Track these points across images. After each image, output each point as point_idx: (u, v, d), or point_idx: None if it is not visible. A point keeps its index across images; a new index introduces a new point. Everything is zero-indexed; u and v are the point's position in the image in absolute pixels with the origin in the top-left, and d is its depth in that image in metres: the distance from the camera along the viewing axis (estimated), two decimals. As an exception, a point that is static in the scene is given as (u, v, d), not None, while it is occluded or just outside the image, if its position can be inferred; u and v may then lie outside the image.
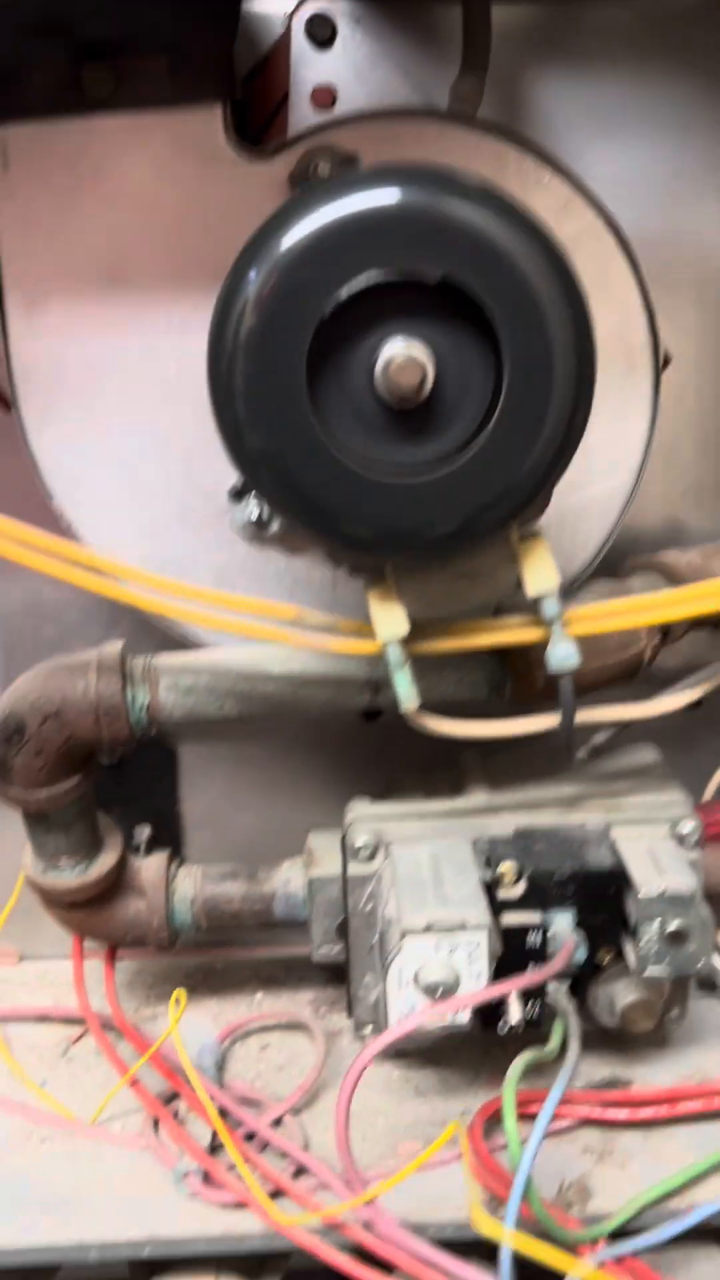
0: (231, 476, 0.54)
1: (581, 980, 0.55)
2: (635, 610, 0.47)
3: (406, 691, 0.46)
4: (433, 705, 0.51)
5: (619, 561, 0.61)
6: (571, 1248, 0.48)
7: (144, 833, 0.63)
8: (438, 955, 0.48)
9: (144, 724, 0.52)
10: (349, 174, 0.42)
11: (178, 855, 0.64)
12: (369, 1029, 0.58)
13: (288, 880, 0.60)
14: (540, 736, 0.52)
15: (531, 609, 0.46)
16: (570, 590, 0.57)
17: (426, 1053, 0.62)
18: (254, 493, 0.54)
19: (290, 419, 0.40)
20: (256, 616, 0.45)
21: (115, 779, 0.69)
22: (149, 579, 0.44)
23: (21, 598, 0.66)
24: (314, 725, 0.70)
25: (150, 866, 0.60)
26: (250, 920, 0.60)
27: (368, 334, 0.41)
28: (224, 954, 0.72)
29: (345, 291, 0.39)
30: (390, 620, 0.45)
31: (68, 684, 0.51)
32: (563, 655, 0.46)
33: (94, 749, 0.53)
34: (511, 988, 0.48)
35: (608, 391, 0.54)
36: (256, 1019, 0.66)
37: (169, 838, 0.71)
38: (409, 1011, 0.49)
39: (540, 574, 0.45)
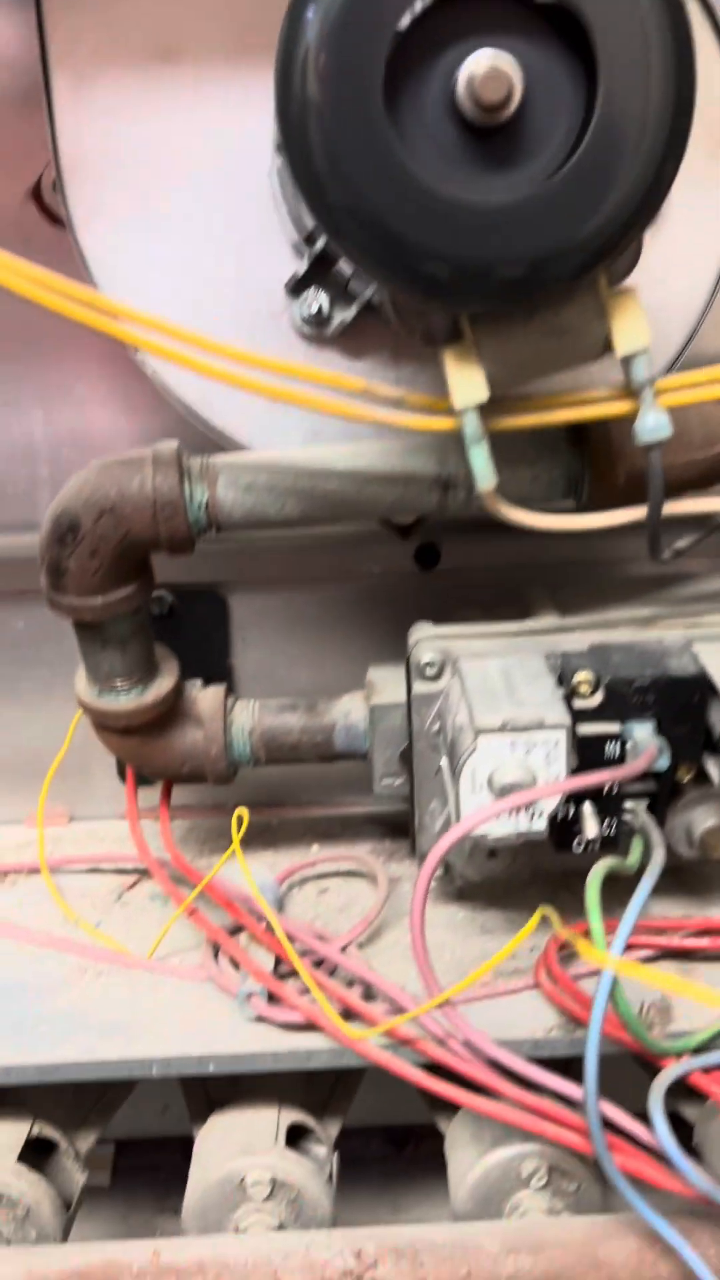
0: (289, 271, 0.52)
1: (658, 807, 0.52)
2: (729, 382, 0.44)
3: (484, 468, 0.43)
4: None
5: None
6: (658, 1057, 0.45)
7: (196, 686, 0.61)
8: (514, 755, 0.46)
9: (203, 522, 0.50)
10: None
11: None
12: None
13: (348, 711, 0.58)
14: (613, 569, 0.49)
15: (620, 388, 0.43)
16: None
17: (491, 893, 0.60)
18: (314, 285, 0.51)
19: (365, 124, 0.37)
20: (321, 386, 0.42)
21: (167, 630, 0.67)
22: (184, 334, 0.41)
23: (70, 428, 0.63)
24: (367, 579, 0.68)
25: (208, 696, 0.58)
26: (310, 753, 0.58)
27: (451, 48, 0.38)
28: (278, 812, 0.70)
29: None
30: (469, 384, 0.42)
31: (124, 478, 0.49)
32: (654, 425, 0.43)
33: (151, 549, 0.50)
34: (592, 781, 0.45)
35: (688, 175, 0.51)
36: (315, 863, 0.64)
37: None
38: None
39: (631, 331, 0.42)
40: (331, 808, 0.71)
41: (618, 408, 0.44)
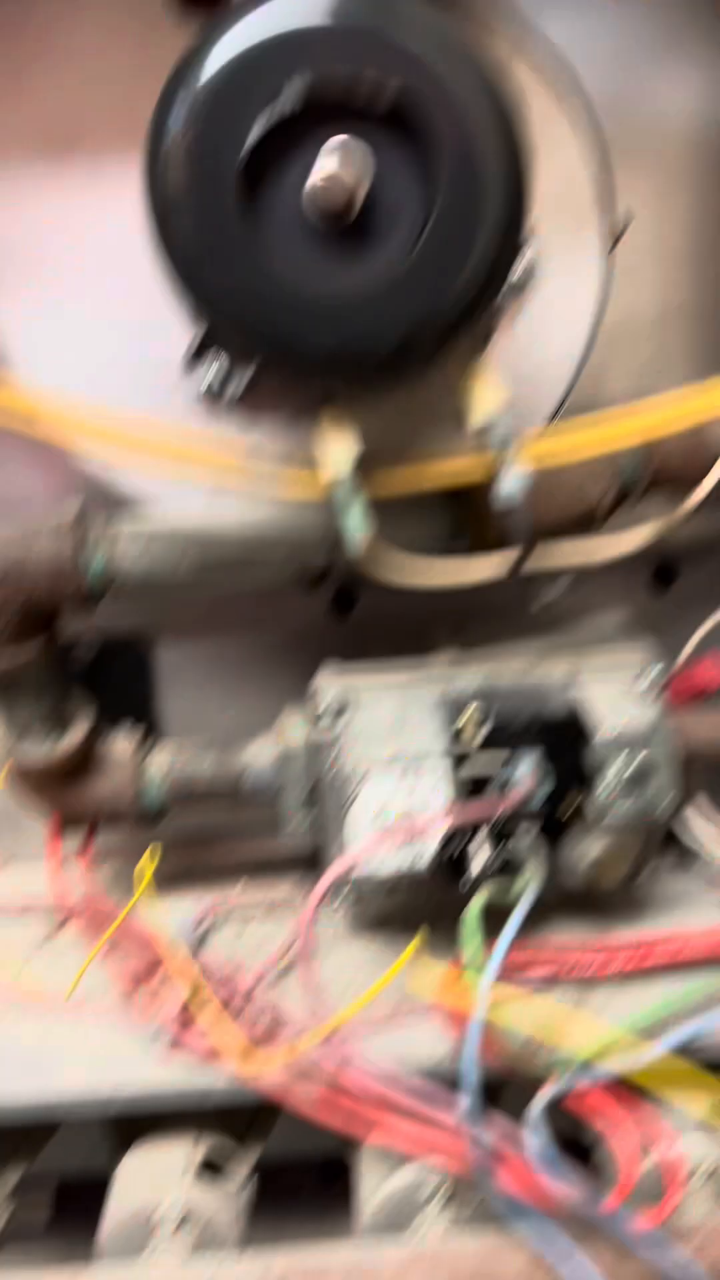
0: (185, 347, 0.55)
1: (544, 841, 0.55)
2: (593, 443, 0.47)
3: (356, 530, 0.46)
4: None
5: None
6: (540, 1076, 0.48)
7: (113, 734, 0.63)
8: (399, 791, 0.49)
9: (103, 583, 0.53)
10: None
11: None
12: (343, 892, 0.58)
13: (257, 755, 0.60)
14: (513, 608, 0.51)
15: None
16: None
17: (405, 925, 0.62)
18: (209, 358, 0.55)
19: (223, 225, 0.40)
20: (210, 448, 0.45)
21: (92, 683, 0.69)
22: (86, 425, 0.44)
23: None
24: (288, 624, 0.71)
25: (122, 744, 0.60)
26: (222, 798, 0.60)
27: (298, 157, 0.41)
28: (208, 851, 0.73)
29: (275, 112, 0.40)
30: (340, 450, 0.45)
31: (26, 544, 0.52)
32: (512, 484, 0.46)
33: (55, 610, 0.53)
34: (473, 814, 0.48)
35: (556, 250, 0.55)
36: (232, 902, 0.66)
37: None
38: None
39: (485, 399, 0.45)
40: (261, 844, 0.73)
41: (481, 467, 0.47)
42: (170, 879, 0.70)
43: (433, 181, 0.41)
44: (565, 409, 0.59)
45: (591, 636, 0.60)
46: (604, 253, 0.56)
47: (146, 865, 0.53)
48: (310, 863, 0.71)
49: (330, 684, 0.56)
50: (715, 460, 0.60)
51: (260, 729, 0.64)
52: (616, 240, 0.60)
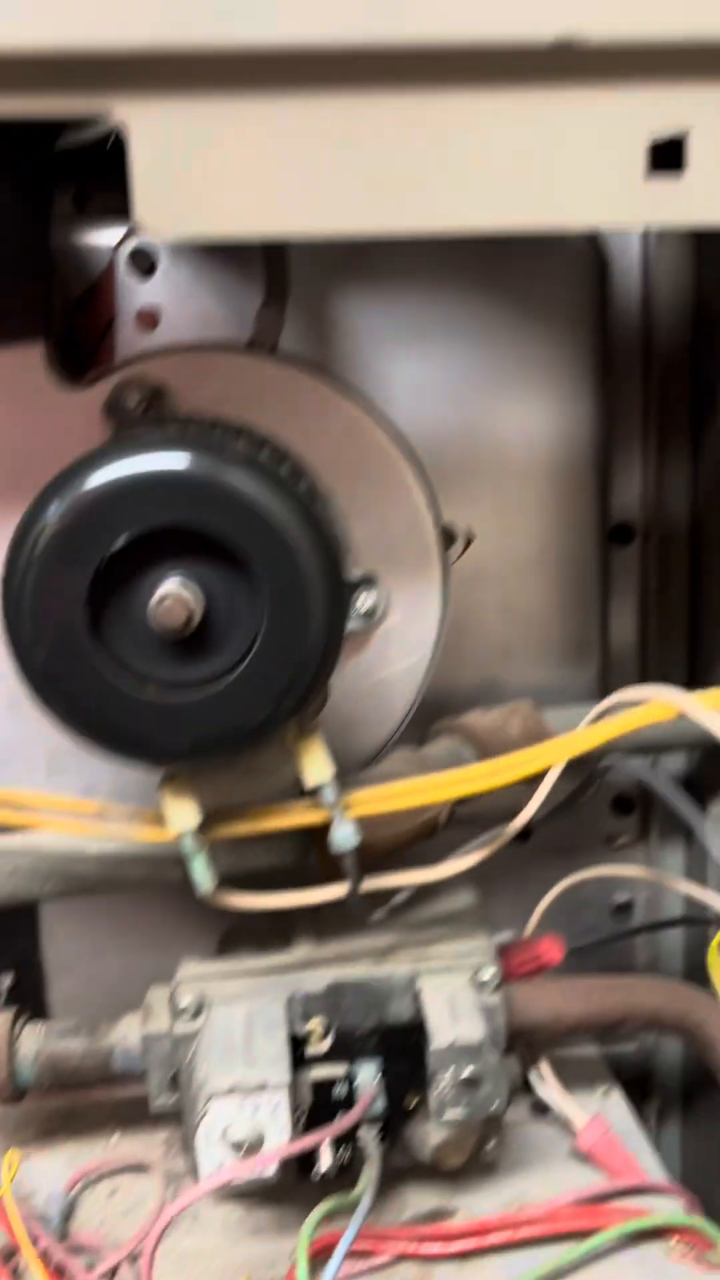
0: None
1: (396, 1121, 0.59)
2: (414, 792, 0.53)
3: (202, 877, 0.51)
4: (248, 872, 0.56)
5: (440, 711, 0.67)
6: None
7: (5, 982, 0.67)
8: (242, 1114, 0.53)
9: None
10: (139, 435, 0.48)
11: (37, 1003, 0.67)
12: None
13: (125, 1035, 0.64)
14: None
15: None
16: (376, 758, 0.63)
17: (266, 1191, 0.65)
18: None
19: (71, 644, 0.45)
20: (62, 813, 0.50)
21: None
22: None
23: None
24: (174, 886, 0.74)
25: (-5, 1024, 0.63)
26: (92, 1075, 0.64)
27: (148, 573, 0.46)
28: (84, 1096, 0.75)
29: (123, 538, 0.45)
30: (182, 813, 0.50)
31: None
32: (342, 838, 0.51)
33: None
34: (306, 1143, 0.52)
35: (405, 582, 0.61)
36: (104, 1165, 0.69)
37: (31, 986, 0.75)
38: (217, 1167, 0.53)
39: (316, 767, 0.50)
40: (134, 1086, 0.76)
41: (317, 816, 0.52)
42: (44, 1132, 0.72)
43: (262, 596, 0.46)
44: (418, 709, 0.64)
45: (442, 913, 0.65)
46: (445, 581, 0.62)
47: (5, 1175, 0.56)
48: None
49: (189, 982, 0.60)
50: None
51: (149, 973, 0.68)
52: (462, 553, 0.66)
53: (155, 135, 0.41)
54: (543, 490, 0.73)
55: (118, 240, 0.64)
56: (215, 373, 0.58)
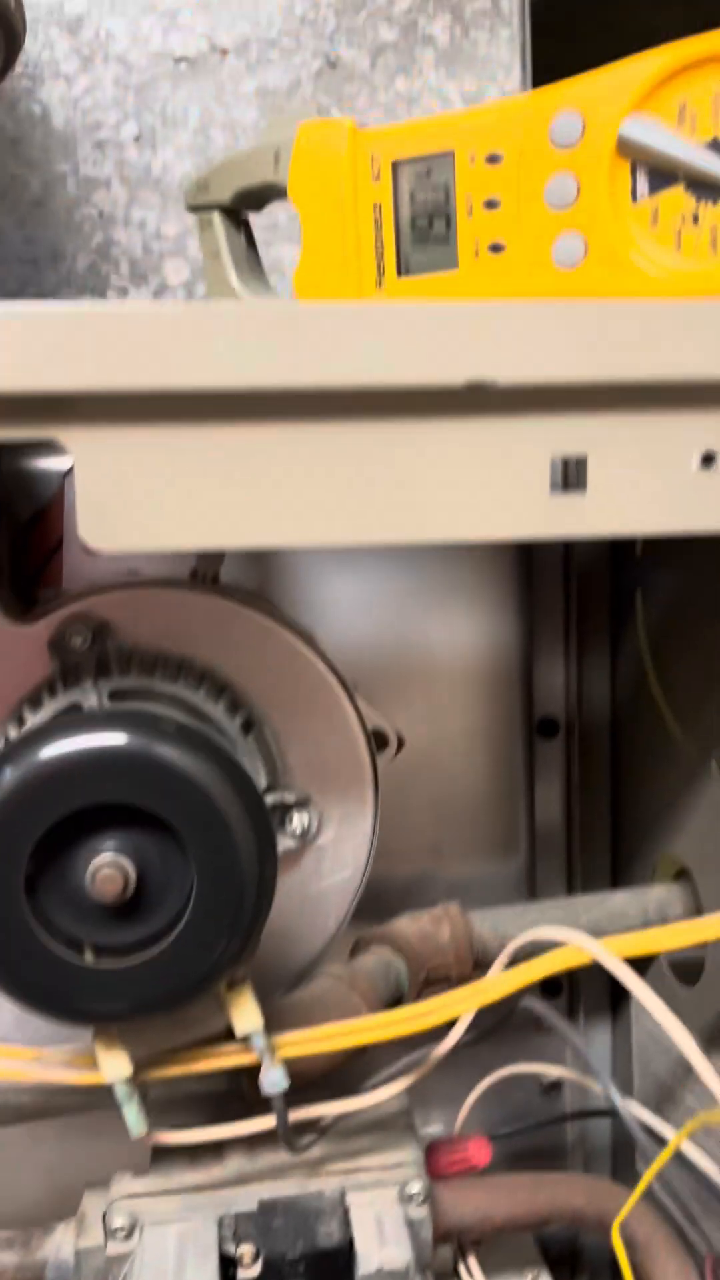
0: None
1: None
2: (340, 1035, 0.55)
3: (134, 1122, 0.52)
4: (187, 1095, 0.58)
5: (371, 907, 0.70)
6: None
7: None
8: None
9: None
10: (80, 717, 0.51)
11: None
12: None
13: (59, 1247, 0.64)
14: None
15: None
16: (307, 972, 0.65)
17: None
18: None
19: (8, 913, 0.47)
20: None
21: None
22: None
23: None
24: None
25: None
26: (25, 1286, 0.64)
27: (83, 842, 0.49)
28: None
29: (58, 817, 0.47)
30: (114, 1063, 0.52)
31: None
32: (271, 1082, 0.53)
33: None
34: None
35: (338, 801, 0.64)
36: None
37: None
38: None
39: (246, 1017, 0.52)
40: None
41: (247, 1058, 0.54)
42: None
43: (193, 862, 0.48)
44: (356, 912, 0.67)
45: (371, 1119, 0.67)
46: (377, 798, 0.65)
47: None
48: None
49: (122, 1201, 0.61)
50: (484, 958, 0.69)
51: (85, 1167, 0.68)
52: (394, 755, 0.69)
53: (96, 461, 0.44)
54: (471, 691, 0.76)
55: (68, 465, 0.67)
56: (158, 608, 0.61)
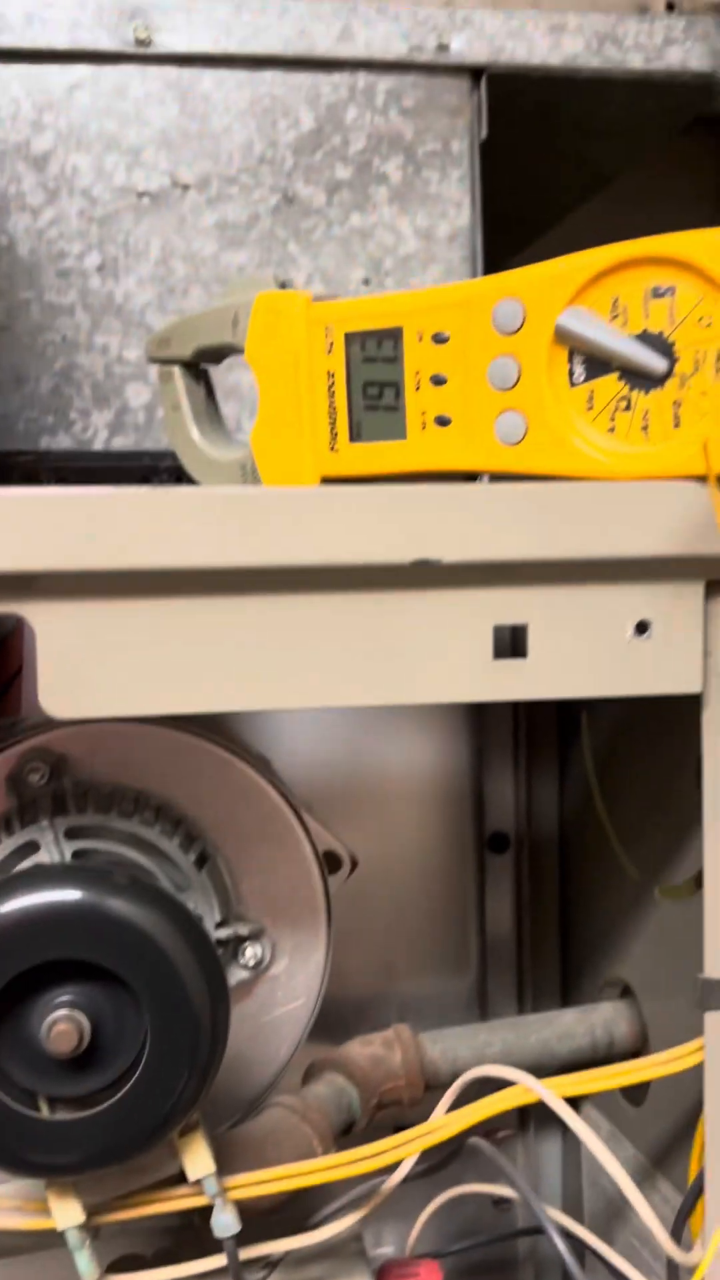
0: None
1: None
2: (291, 1176, 0.56)
3: (86, 1269, 0.53)
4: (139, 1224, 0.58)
5: (324, 1026, 0.70)
6: None
7: None
8: None
9: None
10: (31, 874, 0.52)
11: None
12: None
13: None
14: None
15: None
16: (260, 1100, 0.66)
17: None
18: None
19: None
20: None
21: None
22: None
23: None
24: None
25: None
26: None
27: (37, 995, 0.49)
28: None
29: (12, 971, 0.48)
30: (66, 1212, 0.52)
31: None
32: (223, 1226, 0.54)
33: None
34: None
35: (290, 931, 0.65)
36: None
37: None
38: None
39: (197, 1161, 0.53)
40: None
41: (199, 1201, 0.55)
42: None
43: (147, 1014, 0.49)
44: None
45: (321, 1246, 0.67)
46: (329, 926, 0.66)
47: None
48: None
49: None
50: (435, 1081, 0.70)
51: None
52: (348, 877, 0.70)
53: (58, 634, 0.46)
54: (423, 808, 0.78)
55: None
56: (115, 741, 0.62)
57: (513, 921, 0.80)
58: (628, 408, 0.49)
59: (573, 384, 0.49)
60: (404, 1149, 0.55)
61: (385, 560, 0.46)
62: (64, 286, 0.83)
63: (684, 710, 0.52)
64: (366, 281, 0.86)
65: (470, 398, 0.51)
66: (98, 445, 0.84)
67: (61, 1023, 0.49)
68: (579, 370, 0.49)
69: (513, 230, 1.30)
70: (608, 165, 1.12)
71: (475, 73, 0.87)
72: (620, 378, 0.49)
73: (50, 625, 0.45)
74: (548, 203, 1.24)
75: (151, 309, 0.84)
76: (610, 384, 0.49)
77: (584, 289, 0.48)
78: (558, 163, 1.11)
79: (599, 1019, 0.73)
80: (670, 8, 0.90)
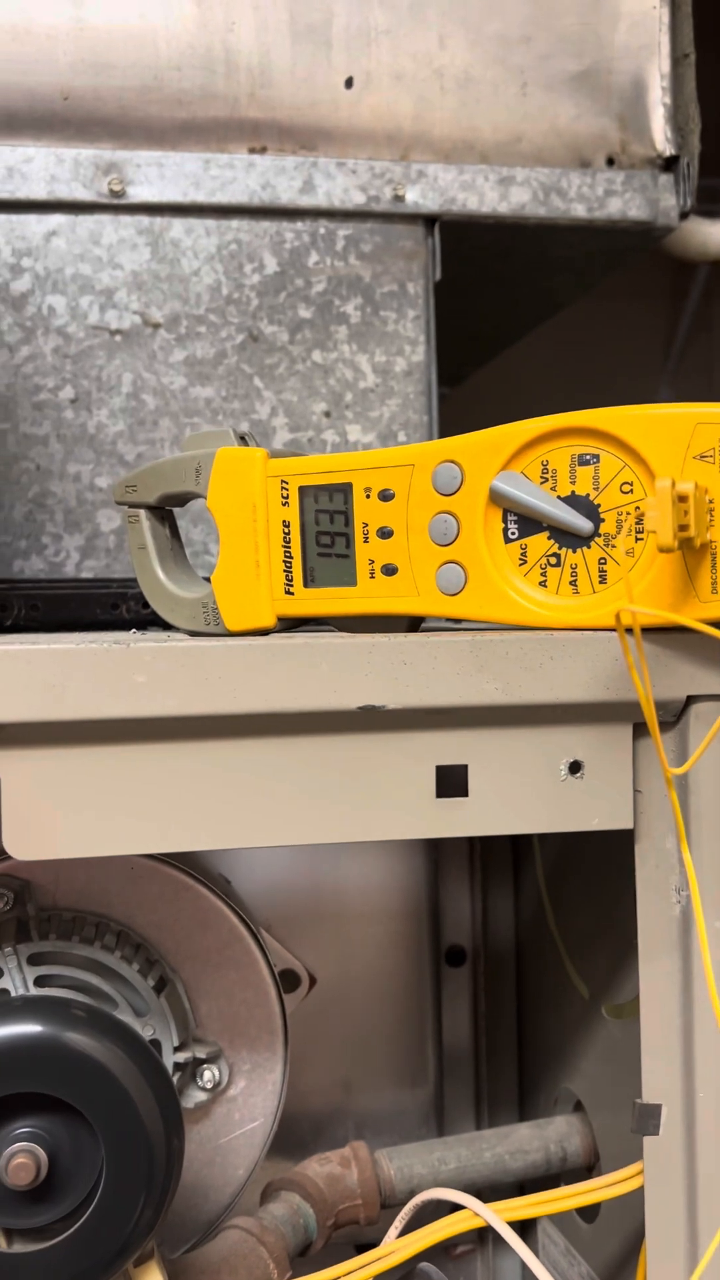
0: None
1: None
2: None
3: None
4: None
5: (280, 1141, 0.71)
6: None
7: None
8: None
9: None
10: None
11: None
12: None
13: None
14: None
15: None
16: (217, 1221, 0.67)
17: None
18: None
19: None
20: None
21: None
22: None
23: None
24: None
25: None
26: None
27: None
28: None
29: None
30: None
31: None
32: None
33: None
34: None
35: (248, 1053, 0.66)
36: None
37: None
38: None
39: (151, 1288, 0.54)
40: None
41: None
42: None
43: (103, 1144, 0.51)
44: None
45: None
46: (286, 1048, 0.67)
47: None
48: None
49: None
50: (391, 1200, 0.71)
51: None
52: (306, 994, 0.72)
53: (22, 781, 0.48)
54: (380, 923, 0.80)
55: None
56: (77, 869, 0.64)
57: (470, 1033, 0.81)
58: (558, 563, 0.52)
59: (507, 540, 0.53)
60: (357, 1275, 0.56)
61: (333, 706, 0.49)
62: (39, 418, 0.88)
63: (623, 840, 0.55)
64: (328, 414, 0.91)
65: (414, 550, 0.55)
66: (69, 568, 0.87)
67: (20, 1155, 0.50)
68: (513, 528, 0.53)
69: (473, 348, 1.37)
70: (560, 295, 1.19)
71: (429, 220, 0.93)
72: (550, 536, 0.52)
73: (14, 773, 0.48)
74: (505, 327, 1.31)
75: (123, 439, 0.88)
76: (541, 541, 0.53)
77: (516, 455, 0.53)
78: (512, 292, 1.17)
79: (553, 1134, 0.74)
80: (610, 162, 0.96)
